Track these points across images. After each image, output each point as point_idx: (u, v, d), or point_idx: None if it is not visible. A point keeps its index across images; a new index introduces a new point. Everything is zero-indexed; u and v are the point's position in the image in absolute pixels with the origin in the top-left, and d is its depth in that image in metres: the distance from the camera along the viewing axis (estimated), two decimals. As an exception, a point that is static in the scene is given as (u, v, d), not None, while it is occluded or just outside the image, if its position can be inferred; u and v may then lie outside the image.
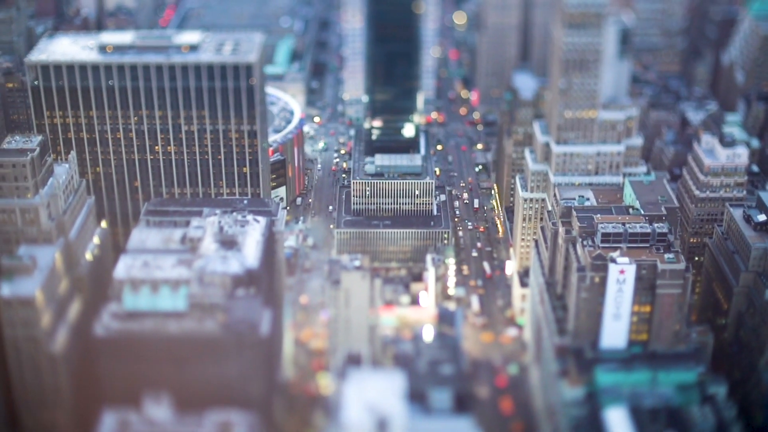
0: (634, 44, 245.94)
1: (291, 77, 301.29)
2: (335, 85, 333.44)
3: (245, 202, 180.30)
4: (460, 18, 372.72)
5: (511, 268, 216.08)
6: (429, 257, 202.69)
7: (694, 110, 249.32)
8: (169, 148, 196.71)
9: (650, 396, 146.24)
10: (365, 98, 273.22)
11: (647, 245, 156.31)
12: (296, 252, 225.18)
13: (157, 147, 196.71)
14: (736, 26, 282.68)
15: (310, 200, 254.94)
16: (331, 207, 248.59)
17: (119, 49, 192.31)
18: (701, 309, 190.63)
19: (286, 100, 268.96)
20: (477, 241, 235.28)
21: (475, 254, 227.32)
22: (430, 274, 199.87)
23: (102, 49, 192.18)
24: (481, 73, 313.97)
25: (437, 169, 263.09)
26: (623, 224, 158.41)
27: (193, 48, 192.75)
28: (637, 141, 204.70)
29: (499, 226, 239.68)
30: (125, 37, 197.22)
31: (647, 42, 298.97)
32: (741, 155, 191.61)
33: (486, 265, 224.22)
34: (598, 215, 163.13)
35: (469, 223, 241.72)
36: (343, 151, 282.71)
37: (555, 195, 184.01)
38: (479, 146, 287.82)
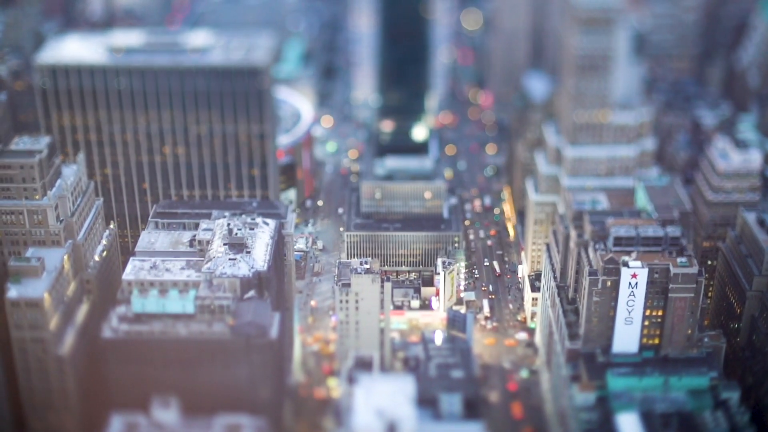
0: (648, 47, 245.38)
1: (301, 79, 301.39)
2: (345, 87, 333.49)
3: (254, 204, 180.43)
4: (468, 20, 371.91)
5: (523, 271, 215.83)
6: (439, 261, 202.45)
7: (708, 113, 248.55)
8: (178, 150, 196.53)
9: (662, 401, 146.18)
10: (376, 100, 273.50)
11: (660, 249, 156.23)
12: (306, 255, 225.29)
13: (165, 149, 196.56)
14: (750, 30, 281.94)
15: (319, 203, 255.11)
16: (340, 209, 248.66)
17: (129, 51, 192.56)
18: (714, 313, 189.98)
19: (296, 102, 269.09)
20: (488, 241, 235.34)
21: (486, 263, 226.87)
22: (440, 278, 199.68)
23: (111, 50, 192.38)
24: (493, 76, 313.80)
25: (448, 170, 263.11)
26: (636, 228, 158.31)
27: (203, 50, 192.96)
28: (650, 144, 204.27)
29: (510, 229, 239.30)
30: (135, 39, 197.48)
31: (661, 45, 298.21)
32: (755, 158, 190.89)
33: (495, 264, 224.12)
34: (611, 219, 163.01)
35: (481, 230, 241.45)
36: (353, 154, 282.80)
37: (567, 198, 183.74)
38: (491, 149, 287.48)
